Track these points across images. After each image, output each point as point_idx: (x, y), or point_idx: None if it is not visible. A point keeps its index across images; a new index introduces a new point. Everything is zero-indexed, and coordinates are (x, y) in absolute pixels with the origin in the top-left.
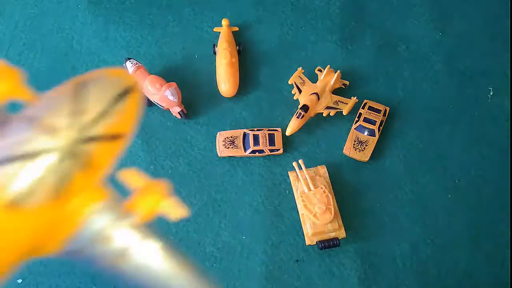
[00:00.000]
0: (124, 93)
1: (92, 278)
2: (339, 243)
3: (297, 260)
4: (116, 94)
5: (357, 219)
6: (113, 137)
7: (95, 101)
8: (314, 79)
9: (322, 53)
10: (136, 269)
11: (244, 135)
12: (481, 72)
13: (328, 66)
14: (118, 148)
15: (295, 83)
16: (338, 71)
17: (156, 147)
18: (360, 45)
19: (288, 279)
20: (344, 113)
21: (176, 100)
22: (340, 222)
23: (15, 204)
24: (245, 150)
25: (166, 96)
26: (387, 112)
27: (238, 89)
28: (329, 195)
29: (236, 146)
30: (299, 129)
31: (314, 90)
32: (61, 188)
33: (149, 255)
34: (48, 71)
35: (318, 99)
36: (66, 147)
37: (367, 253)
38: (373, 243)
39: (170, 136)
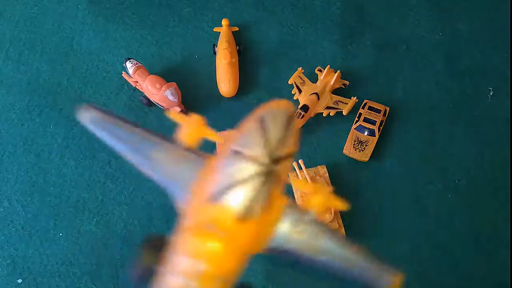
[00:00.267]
0: (290, 118)
1: (92, 278)
2: None
3: (298, 260)
4: (286, 120)
5: (357, 219)
6: (291, 155)
7: (275, 129)
8: (314, 79)
9: (322, 53)
10: (322, 254)
11: None
12: (481, 72)
13: (328, 66)
14: (290, 162)
15: (295, 83)
16: (338, 71)
17: None
18: (360, 45)
19: (289, 279)
20: (344, 113)
21: (176, 100)
22: (340, 222)
23: (242, 218)
24: None
25: (166, 96)
26: (387, 112)
27: (238, 89)
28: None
29: None
30: (299, 129)
31: (314, 90)
32: (267, 202)
33: (330, 241)
34: (48, 71)
35: (318, 99)
36: (265, 170)
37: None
38: (373, 243)
39: (170, 136)
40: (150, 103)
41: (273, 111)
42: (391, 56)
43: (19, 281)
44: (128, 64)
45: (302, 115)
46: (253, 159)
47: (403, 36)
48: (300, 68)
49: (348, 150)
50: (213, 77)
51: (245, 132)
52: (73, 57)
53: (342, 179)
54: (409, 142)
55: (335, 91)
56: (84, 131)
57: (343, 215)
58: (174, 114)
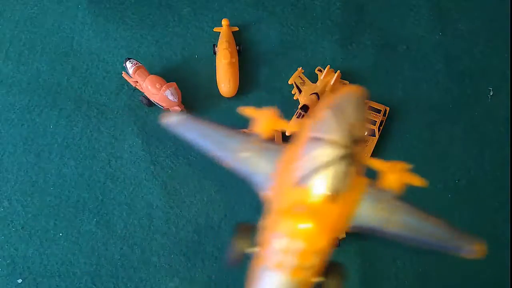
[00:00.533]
0: (360, 100)
1: (92, 278)
2: (339, 243)
3: None
4: (357, 103)
5: None
6: (364, 136)
7: (350, 113)
8: (314, 79)
9: (322, 53)
10: (404, 228)
11: None
12: (481, 72)
13: (328, 66)
14: (366, 145)
15: (295, 83)
16: (338, 71)
17: (156, 147)
18: (360, 45)
19: None
20: None
21: (176, 100)
22: None
23: (329, 198)
24: None
25: (166, 96)
26: (387, 112)
27: (238, 89)
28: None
29: None
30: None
31: (314, 90)
32: (350, 182)
33: (411, 216)
34: (48, 71)
35: (318, 99)
36: (346, 152)
37: (367, 253)
38: (373, 243)
39: (170, 136)
40: (150, 103)
41: (346, 96)
42: (391, 56)
43: (19, 281)
44: (128, 64)
45: (302, 115)
46: (334, 143)
47: (403, 36)
48: (300, 68)
49: None
50: (213, 77)
51: (322, 119)
52: (73, 57)
53: None
54: (409, 142)
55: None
56: (84, 131)
57: None
58: (248, 109)
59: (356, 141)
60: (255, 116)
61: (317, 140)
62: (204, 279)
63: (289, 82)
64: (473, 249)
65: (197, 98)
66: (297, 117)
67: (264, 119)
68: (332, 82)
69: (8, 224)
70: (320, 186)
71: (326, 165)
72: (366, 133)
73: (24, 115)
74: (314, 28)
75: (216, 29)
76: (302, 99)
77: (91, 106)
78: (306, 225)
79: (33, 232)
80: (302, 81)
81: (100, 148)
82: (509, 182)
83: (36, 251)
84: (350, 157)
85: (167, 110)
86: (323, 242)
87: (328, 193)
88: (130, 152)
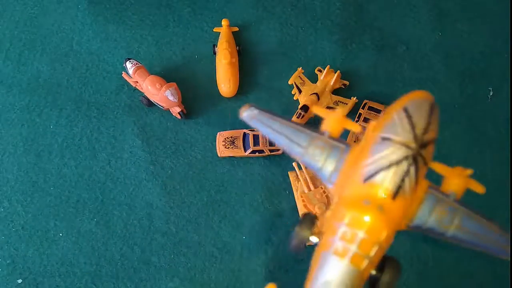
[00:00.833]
0: (433, 106)
1: (92, 278)
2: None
3: (298, 260)
4: (429, 108)
5: None
6: (434, 140)
7: (421, 118)
8: (314, 79)
9: (322, 53)
10: (461, 231)
11: (244, 135)
12: (481, 73)
13: (328, 66)
14: (433, 148)
15: (295, 83)
16: (338, 71)
17: (156, 147)
18: (360, 45)
19: (289, 279)
20: (344, 113)
21: (176, 100)
22: None
23: (394, 195)
24: (245, 150)
25: (166, 96)
26: None
27: (238, 89)
28: (329, 195)
29: (236, 146)
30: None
31: (314, 90)
32: (414, 182)
33: (469, 220)
34: (48, 71)
35: (318, 99)
36: (413, 153)
37: None
38: None
39: (170, 136)
40: (150, 103)
41: (417, 100)
42: (391, 56)
43: (19, 281)
44: (128, 64)
45: (302, 115)
46: (402, 144)
47: (403, 37)
48: (300, 68)
49: None
50: (213, 77)
51: (391, 120)
52: (73, 57)
53: None
54: None
55: (335, 91)
56: (84, 131)
57: None
58: (319, 109)
59: (424, 145)
60: (325, 116)
61: (386, 140)
62: (204, 279)
63: (289, 82)
64: None
65: (197, 98)
66: (297, 117)
67: (333, 119)
68: (332, 82)
69: (8, 224)
70: (386, 183)
71: (393, 164)
72: (435, 136)
73: (24, 115)
74: (314, 28)
75: (216, 29)
76: (302, 99)
77: (91, 106)
78: (369, 217)
79: (33, 232)
80: (302, 81)
81: (100, 148)
82: (509, 182)
83: (36, 251)
84: (416, 159)
85: (167, 110)
86: (383, 234)
87: (393, 190)
88: (130, 152)
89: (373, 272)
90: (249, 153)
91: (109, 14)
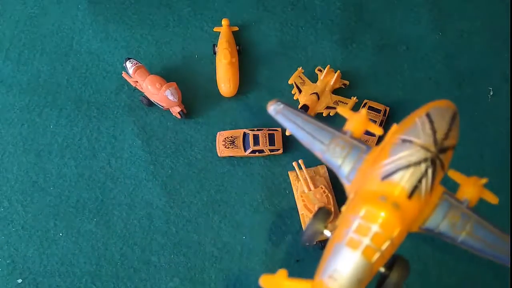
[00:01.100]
0: (455, 114)
1: (92, 278)
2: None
3: (298, 260)
4: (451, 116)
5: None
6: (453, 147)
7: (442, 123)
8: (314, 79)
9: (322, 53)
10: (472, 238)
11: (244, 135)
12: (481, 72)
13: (328, 66)
14: (452, 154)
15: (295, 83)
16: (338, 71)
17: (156, 147)
18: (360, 45)
19: None
20: None
21: (176, 100)
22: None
23: (410, 194)
24: (245, 150)
25: (166, 96)
26: (387, 112)
27: (238, 89)
28: (329, 195)
29: (236, 146)
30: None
31: (314, 90)
32: (431, 184)
33: (480, 227)
34: (48, 71)
35: (318, 99)
36: (432, 156)
37: None
38: None
39: (170, 136)
40: (150, 103)
41: (440, 108)
42: (391, 56)
43: (19, 281)
44: (128, 64)
45: None
46: (422, 147)
47: (403, 36)
48: (300, 68)
49: None
50: (213, 77)
51: (414, 124)
52: (73, 57)
53: None
54: None
55: (335, 91)
56: (84, 131)
57: None
58: (343, 110)
59: (443, 150)
60: (349, 117)
61: (407, 142)
62: (204, 279)
63: (289, 82)
64: None
65: (197, 98)
66: None
67: (356, 120)
68: (332, 82)
69: (8, 224)
70: (403, 182)
71: (412, 165)
72: (455, 143)
73: (24, 115)
74: (314, 28)
75: (216, 29)
76: (302, 99)
77: (91, 106)
78: (384, 213)
79: (33, 232)
80: (302, 81)
81: (100, 148)
82: (509, 182)
83: (36, 251)
84: (435, 162)
85: (167, 110)
86: (396, 231)
87: (409, 189)
88: (130, 152)
89: (382, 269)
90: (249, 153)
91: (109, 14)
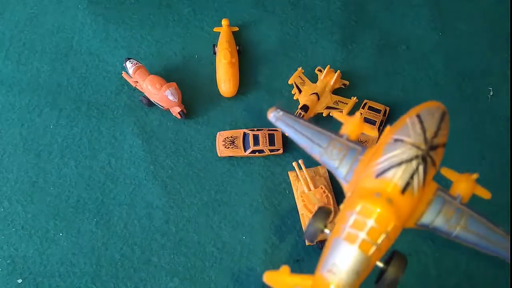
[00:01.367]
0: (444, 114)
1: (92, 278)
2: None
3: (298, 260)
4: (440, 116)
5: None
6: (443, 145)
7: (431, 122)
8: (314, 79)
9: (322, 53)
10: (466, 231)
11: (244, 135)
12: (481, 72)
13: (328, 66)
14: (443, 153)
15: (295, 83)
16: (338, 71)
17: (156, 147)
18: (360, 45)
19: None
20: (344, 113)
21: (176, 100)
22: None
23: (403, 190)
24: (245, 150)
25: (166, 96)
26: (387, 112)
27: (238, 89)
28: (329, 195)
29: (236, 146)
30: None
31: (314, 90)
32: (423, 180)
33: (474, 222)
34: (48, 71)
35: (318, 99)
36: (423, 154)
37: None
38: None
39: (170, 136)
40: (150, 103)
41: (430, 108)
42: (391, 56)
43: (19, 281)
44: (128, 64)
45: (302, 115)
46: (413, 145)
47: (403, 36)
48: (300, 68)
49: None
50: (213, 77)
51: (405, 125)
52: (73, 57)
53: None
54: None
55: (335, 91)
56: (84, 131)
57: None
58: (339, 114)
59: (433, 147)
60: (344, 121)
61: (399, 141)
62: (204, 279)
63: (289, 82)
64: None
65: (197, 98)
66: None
67: (352, 123)
68: (332, 82)
69: (8, 224)
70: (396, 178)
71: (404, 162)
72: (445, 141)
73: (24, 115)
74: (314, 28)
75: (216, 29)
76: (302, 99)
77: (91, 106)
78: (379, 208)
79: (33, 232)
80: (302, 81)
81: (100, 148)
82: (509, 182)
83: (36, 251)
84: (426, 159)
85: (167, 110)
86: (390, 225)
87: (402, 185)
88: (130, 152)
89: (381, 265)
90: (249, 153)
91: (109, 14)
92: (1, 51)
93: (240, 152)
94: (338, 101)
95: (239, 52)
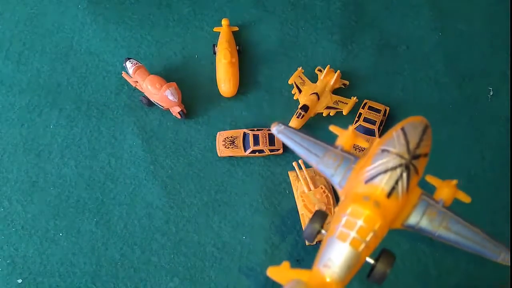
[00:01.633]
0: (426, 128)
1: (92, 278)
2: None
3: (298, 260)
4: (422, 129)
5: None
6: (426, 154)
7: (414, 135)
8: (314, 79)
9: (322, 53)
10: (449, 232)
11: (244, 135)
12: (481, 72)
13: (328, 66)
14: (426, 162)
15: (295, 83)
16: (338, 71)
17: (156, 147)
18: (360, 45)
19: None
20: (344, 113)
21: (176, 100)
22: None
23: (388, 194)
24: (245, 150)
25: (166, 96)
26: (387, 112)
27: (238, 89)
28: (329, 195)
29: (236, 146)
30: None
31: (314, 90)
32: (406, 186)
33: (456, 223)
34: (48, 71)
35: (318, 99)
36: (406, 162)
37: None
38: None
39: (170, 136)
40: (150, 103)
41: (413, 122)
42: (391, 56)
43: (19, 281)
44: (128, 64)
45: (302, 115)
46: (397, 155)
47: (403, 36)
48: (300, 68)
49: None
50: (213, 77)
51: (391, 137)
52: (73, 57)
53: None
54: None
55: (335, 91)
56: (84, 131)
57: None
58: (335, 127)
59: (416, 156)
60: (339, 133)
61: (385, 151)
62: (204, 279)
63: (289, 82)
64: (507, 257)
65: (197, 98)
66: (297, 117)
67: (346, 135)
68: (332, 82)
69: (8, 224)
70: (382, 184)
71: (389, 169)
72: (428, 151)
73: (24, 115)
74: (314, 28)
75: (216, 29)
76: (302, 99)
77: (91, 106)
78: (367, 210)
79: (33, 232)
80: (302, 81)
81: (100, 148)
82: (509, 182)
83: (36, 251)
84: (409, 167)
85: (167, 110)
86: (377, 224)
87: (388, 190)
88: (130, 152)
89: (372, 261)
90: (249, 153)
91: (109, 14)
92: (1, 51)
93: (240, 152)
94: (338, 101)
95: (239, 52)
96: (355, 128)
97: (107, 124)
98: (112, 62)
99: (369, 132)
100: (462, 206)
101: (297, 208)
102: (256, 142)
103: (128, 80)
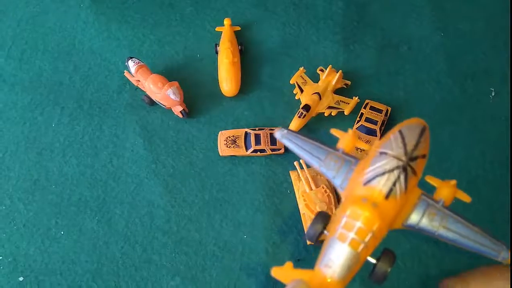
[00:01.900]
0: (424, 130)
1: (93, 276)
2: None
3: (299, 259)
4: (420, 131)
5: None
6: (424, 156)
7: (411, 137)
8: (315, 79)
9: (324, 53)
10: (449, 231)
11: (246, 134)
12: (483, 73)
13: (330, 66)
14: (424, 163)
15: (296, 82)
16: (340, 71)
17: (158, 146)
18: (362, 45)
19: None
20: (346, 113)
21: (178, 99)
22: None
23: (386, 195)
24: (246, 149)
25: (168, 95)
26: (389, 112)
27: (240, 89)
28: (330, 194)
29: (238, 146)
30: (300, 129)
31: (316, 90)
32: (405, 187)
33: (455, 222)
34: (50, 70)
35: (320, 99)
36: (403, 164)
37: None
38: None
39: (172, 135)
40: (152, 102)
41: (410, 125)
42: (393, 56)
43: (21, 279)
44: (130, 63)
45: (303, 114)
46: (395, 157)
47: (405, 37)
48: (302, 68)
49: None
50: (215, 76)
51: (389, 140)
52: (75, 56)
53: None
54: None
55: (337, 91)
56: (86, 130)
57: None
58: (336, 131)
59: (413, 158)
60: (340, 136)
61: (383, 154)
62: (205, 278)
63: (291, 82)
64: (506, 256)
65: (199, 97)
66: (298, 117)
67: (346, 139)
68: (333, 82)
69: (10, 222)
70: (380, 186)
71: (387, 171)
72: (425, 152)
73: (26, 114)
74: (316, 28)
75: (218, 29)
76: (304, 99)
77: (93, 104)
78: (366, 211)
79: (34, 230)
80: (303, 81)
81: (102, 147)
82: (509, 182)
83: (38, 249)
84: (406, 169)
85: (169, 109)
86: (376, 225)
87: (385, 191)
88: (131, 150)
89: (373, 260)
90: (251, 152)
91: (112, 13)
92: (4, 49)
93: (241, 152)
94: (340, 101)
95: (241, 51)
96: (356, 128)
97: (109, 123)
98: (114, 61)
99: (371, 132)
100: (462, 206)
101: (298, 207)
102: (257, 141)
103: (130, 79)
